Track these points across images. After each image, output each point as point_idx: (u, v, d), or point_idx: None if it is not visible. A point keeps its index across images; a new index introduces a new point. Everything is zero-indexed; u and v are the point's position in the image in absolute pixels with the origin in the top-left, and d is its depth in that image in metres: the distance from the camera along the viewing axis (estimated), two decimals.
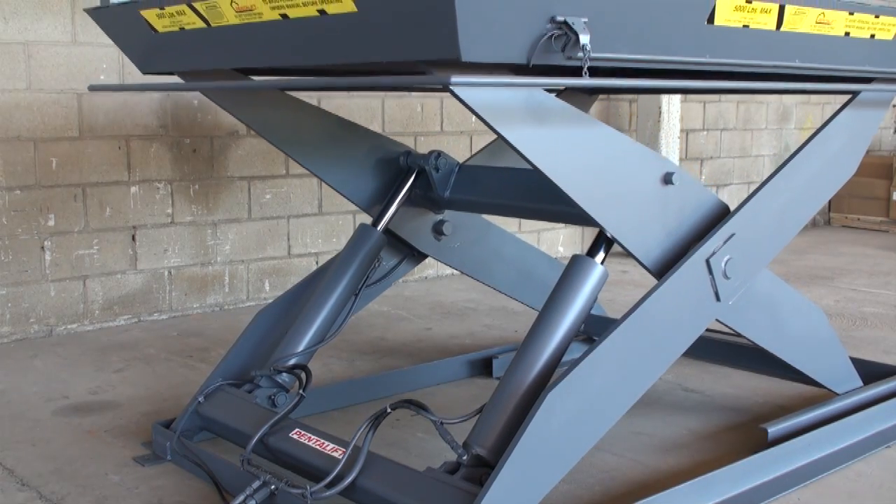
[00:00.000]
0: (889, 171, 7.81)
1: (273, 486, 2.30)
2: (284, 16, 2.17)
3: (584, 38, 1.91)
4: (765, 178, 8.02)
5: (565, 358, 2.40)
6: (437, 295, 5.20)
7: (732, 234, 2.48)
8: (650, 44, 2.14)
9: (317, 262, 5.21)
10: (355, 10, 1.98)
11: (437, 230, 3.29)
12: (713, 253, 2.44)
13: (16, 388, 3.54)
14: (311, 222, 5.19)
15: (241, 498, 2.30)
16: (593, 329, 3.89)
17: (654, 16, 2.12)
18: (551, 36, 1.92)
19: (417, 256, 3.33)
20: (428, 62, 2.00)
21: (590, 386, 2.22)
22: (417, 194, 3.17)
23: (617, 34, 2.05)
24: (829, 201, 8.28)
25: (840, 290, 5.41)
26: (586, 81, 1.96)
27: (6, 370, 3.79)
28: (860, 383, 3.08)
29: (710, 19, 2.21)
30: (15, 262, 4.23)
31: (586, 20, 1.93)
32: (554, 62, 1.97)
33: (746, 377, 3.65)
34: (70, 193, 4.35)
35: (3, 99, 4.14)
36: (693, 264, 2.40)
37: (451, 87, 1.89)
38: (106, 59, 4.36)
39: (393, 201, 3.12)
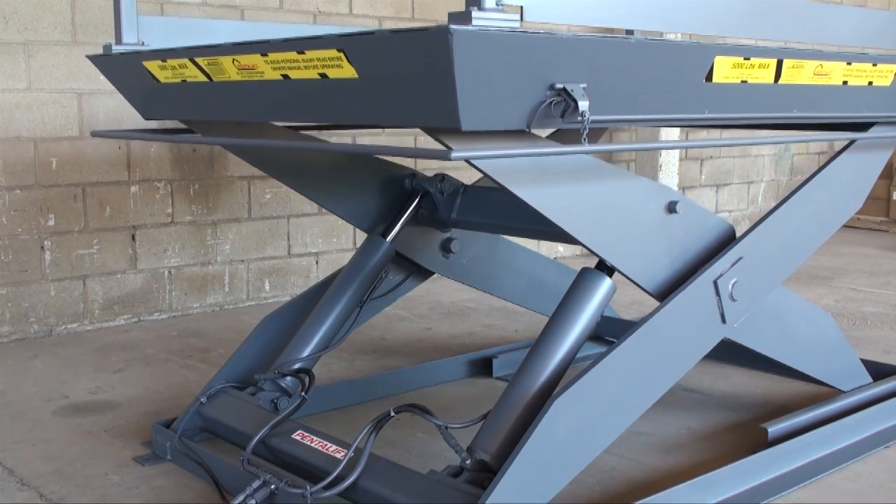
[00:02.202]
0: (889, 170, 7.80)
1: (273, 486, 2.30)
2: (286, 76, 2.17)
3: (584, 105, 1.90)
4: (765, 178, 7.99)
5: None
6: (437, 295, 5.20)
7: (740, 258, 2.49)
8: (649, 104, 2.15)
9: (317, 262, 5.21)
10: (356, 76, 1.98)
11: (446, 248, 3.28)
12: (721, 275, 2.44)
13: (16, 388, 3.54)
14: (311, 222, 5.19)
15: (241, 497, 2.30)
16: (601, 329, 3.89)
17: (653, 77, 2.12)
18: (551, 103, 1.92)
19: (423, 273, 3.32)
20: (428, 129, 2.01)
21: (595, 396, 2.23)
22: (424, 215, 3.17)
23: (616, 97, 2.05)
24: None
25: (840, 290, 5.41)
26: (585, 148, 1.97)
27: (6, 370, 3.79)
28: (870, 380, 3.11)
29: (709, 77, 2.21)
30: (15, 262, 4.22)
31: (585, 86, 1.92)
32: (553, 126, 1.98)
33: (746, 376, 3.65)
34: (70, 193, 4.35)
35: (3, 99, 4.14)
36: (701, 284, 2.41)
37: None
38: None
39: (399, 219, 3.11)
